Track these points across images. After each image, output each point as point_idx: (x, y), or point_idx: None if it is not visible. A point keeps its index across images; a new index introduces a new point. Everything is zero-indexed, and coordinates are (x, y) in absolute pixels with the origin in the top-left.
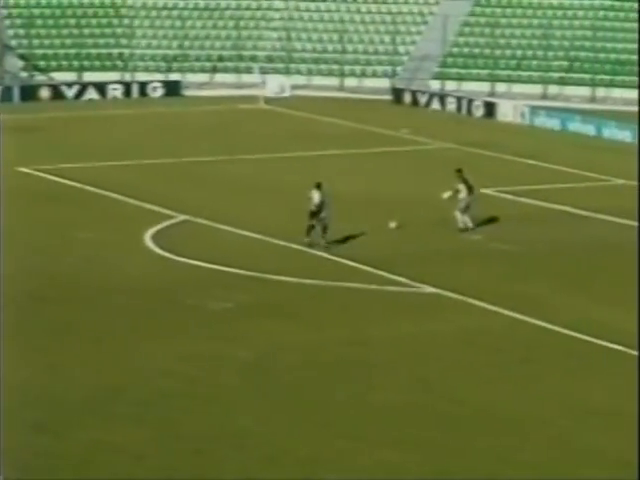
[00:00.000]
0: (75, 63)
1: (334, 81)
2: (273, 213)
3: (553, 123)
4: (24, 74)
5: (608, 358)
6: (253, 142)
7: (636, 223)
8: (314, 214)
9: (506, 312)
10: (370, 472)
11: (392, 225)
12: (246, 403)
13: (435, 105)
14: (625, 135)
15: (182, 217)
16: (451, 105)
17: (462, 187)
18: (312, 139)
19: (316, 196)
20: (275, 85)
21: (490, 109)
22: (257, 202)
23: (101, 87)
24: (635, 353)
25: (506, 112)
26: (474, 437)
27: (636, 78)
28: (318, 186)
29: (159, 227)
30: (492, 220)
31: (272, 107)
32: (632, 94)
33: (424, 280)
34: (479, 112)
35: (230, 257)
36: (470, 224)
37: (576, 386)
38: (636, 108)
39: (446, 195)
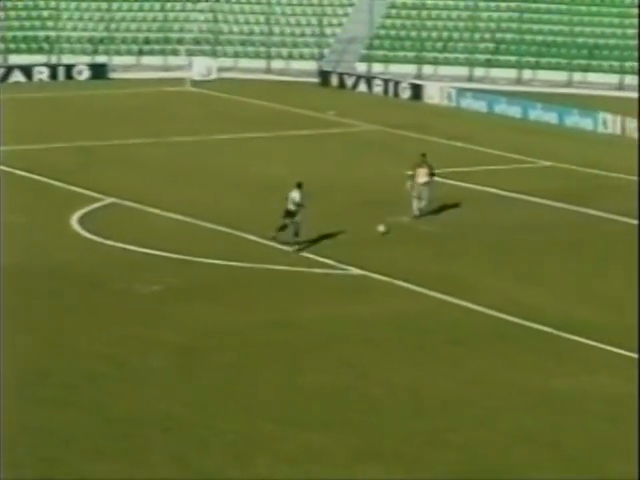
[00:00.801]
0: (1, 46)
1: (261, 63)
2: (200, 196)
3: (479, 105)
4: None
5: (533, 339)
6: (180, 125)
7: (567, 205)
8: (290, 214)
9: (433, 294)
10: (298, 454)
11: (381, 229)
12: (175, 386)
13: (362, 87)
14: (551, 117)
15: (109, 200)
16: (378, 87)
17: (422, 172)
18: (239, 121)
19: (296, 195)
20: (202, 67)
21: (417, 91)
22: (184, 185)
23: (27, 70)
24: (558, 332)
25: (433, 94)
26: (402, 419)
27: (561, 60)
28: (299, 185)
29: (86, 210)
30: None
31: (199, 89)
32: (557, 76)
33: (351, 262)
34: (406, 94)
35: (158, 240)
36: (416, 211)
37: (502, 367)
38: (561, 90)
39: (381, 228)
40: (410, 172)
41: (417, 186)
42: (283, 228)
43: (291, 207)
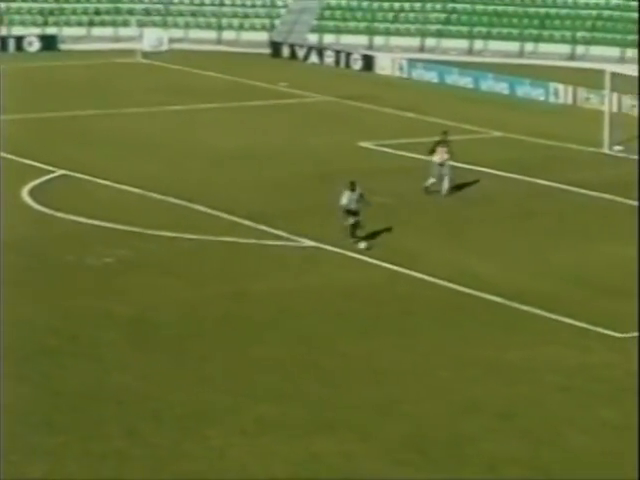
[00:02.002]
0: None
1: (212, 34)
2: (151, 167)
3: (431, 76)
4: None
5: (485, 310)
6: (130, 96)
7: (518, 176)
8: (353, 213)
9: (385, 265)
10: (252, 427)
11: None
12: (127, 359)
13: (313, 58)
14: (502, 87)
15: (60, 172)
16: (329, 58)
17: (441, 150)
18: (190, 93)
19: (352, 196)
20: (152, 39)
21: (368, 62)
22: (135, 157)
23: None
24: (511, 304)
25: (384, 65)
26: (355, 389)
27: (512, 30)
28: (352, 185)
29: (37, 182)
30: (372, 173)
31: (150, 61)
32: (509, 46)
33: (303, 234)
34: (357, 65)
35: (109, 212)
36: (445, 191)
37: (455, 338)
38: (513, 60)
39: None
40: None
41: (435, 165)
42: (353, 229)
43: (352, 207)
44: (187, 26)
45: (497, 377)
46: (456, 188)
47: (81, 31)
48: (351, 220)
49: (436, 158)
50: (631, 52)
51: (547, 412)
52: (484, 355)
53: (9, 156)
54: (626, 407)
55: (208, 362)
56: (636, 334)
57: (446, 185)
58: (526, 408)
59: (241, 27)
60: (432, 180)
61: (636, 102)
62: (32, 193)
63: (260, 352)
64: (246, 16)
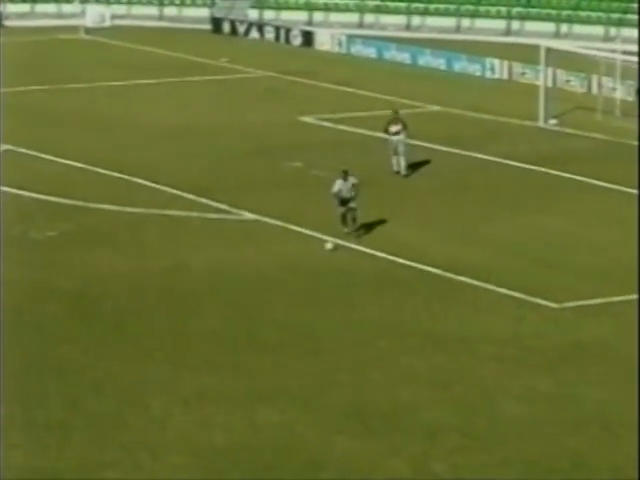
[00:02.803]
0: None
1: (154, 11)
2: (93, 142)
3: (369, 52)
4: None
5: (421, 281)
6: (73, 72)
7: (455, 150)
8: (345, 201)
9: (324, 237)
10: (192, 397)
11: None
12: (69, 332)
13: (254, 34)
14: (439, 63)
15: (4, 147)
16: (269, 34)
17: (394, 127)
18: (131, 68)
19: (344, 183)
20: (95, 15)
21: (308, 38)
22: (78, 132)
23: None
24: (448, 274)
25: (323, 41)
26: (294, 360)
27: (449, 5)
28: (345, 173)
29: None
30: (312, 147)
31: (92, 37)
32: (446, 22)
33: (244, 207)
34: (297, 41)
35: (52, 186)
36: (403, 170)
37: (391, 309)
38: (450, 36)
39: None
40: (387, 129)
41: (391, 142)
42: (344, 218)
43: (345, 195)
44: (129, 2)
45: (434, 347)
46: (391, 162)
47: (25, 7)
48: (342, 209)
49: (393, 136)
50: (566, 27)
51: (482, 381)
52: (421, 326)
53: None
54: (559, 376)
55: (148, 334)
56: (571, 304)
57: (402, 163)
58: (462, 378)
59: (182, 3)
60: (395, 162)
61: (570, 77)
62: None
63: (199, 324)
64: None
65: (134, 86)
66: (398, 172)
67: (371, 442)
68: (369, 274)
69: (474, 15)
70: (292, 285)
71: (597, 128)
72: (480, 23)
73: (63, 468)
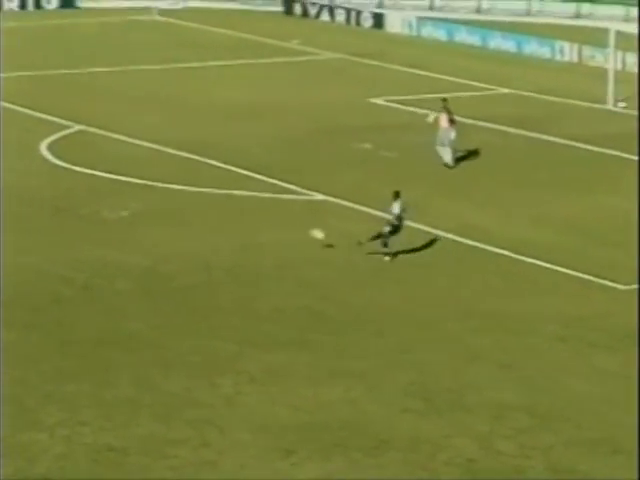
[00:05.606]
0: None
1: None
2: (165, 122)
3: (440, 34)
4: None
5: (487, 261)
6: (146, 53)
7: (524, 131)
8: (395, 228)
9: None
10: (260, 374)
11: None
12: (139, 308)
13: (325, 16)
14: (509, 45)
15: (77, 127)
16: (340, 16)
17: (444, 117)
18: (204, 50)
19: (396, 207)
20: None
21: (378, 20)
22: (150, 112)
23: None
24: (513, 255)
25: (394, 23)
26: (359, 338)
27: None
28: (397, 195)
29: (55, 137)
30: (381, 128)
31: (166, 18)
32: (516, 5)
33: (313, 187)
34: (367, 23)
35: (125, 166)
36: (450, 161)
37: (458, 289)
38: (520, 18)
39: (430, 118)
40: (432, 118)
41: (440, 132)
42: (376, 238)
43: (394, 221)
44: None
45: (499, 327)
46: (462, 143)
47: None
48: (387, 228)
49: (442, 125)
50: (635, 10)
51: (547, 361)
52: (486, 306)
53: (28, 111)
54: (624, 356)
55: (215, 312)
56: (636, 286)
57: (449, 155)
58: (527, 357)
59: None
60: (446, 154)
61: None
62: (50, 147)
63: (266, 302)
64: None
65: (206, 67)
66: (446, 164)
67: (436, 421)
68: (434, 254)
69: None
70: (358, 264)
71: None
72: (550, 6)
73: (131, 445)
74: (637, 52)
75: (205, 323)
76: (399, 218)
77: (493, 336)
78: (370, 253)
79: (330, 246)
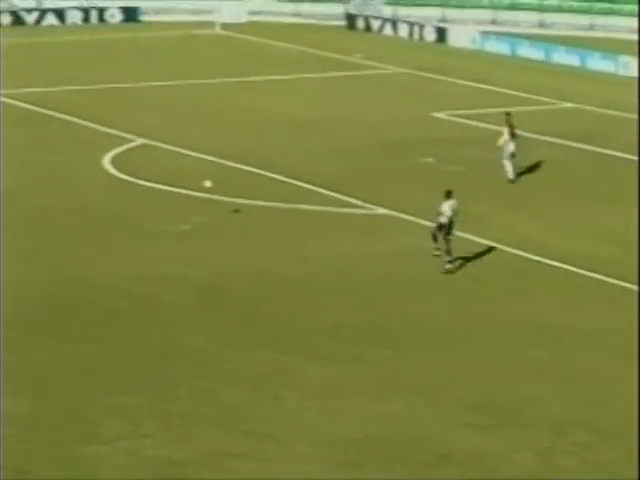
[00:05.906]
0: None
1: (289, 6)
2: (228, 136)
3: (503, 48)
4: None
5: (549, 276)
6: (209, 67)
7: (586, 146)
8: (442, 227)
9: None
10: (320, 387)
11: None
12: (201, 322)
13: (387, 31)
14: (573, 60)
15: (140, 141)
16: (403, 31)
17: (505, 131)
18: (267, 64)
19: (447, 207)
20: (232, 11)
21: (441, 34)
22: (213, 125)
23: (60, 13)
24: (573, 269)
25: (457, 37)
26: (419, 352)
27: (583, 3)
28: (449, 194)
29: (118, 150)
30: (443, 142)
31: (228, 33)
32: (579, 19)
33: (376, 202)
34: (430, 37)
35: (187, 180)
36: (510, 174)
37: (517, 302)
38: (583, 33)
39: (501, 142)
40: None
41: (504, 146)
42: (435, 239)
43: (443, 220)
44: None
45: (559, 341)
46: (524, 157)
47: (162, 3)
48: (437, 229)
49: (501, 141)
50: None
51: (610, 376)
52: (546, 319)
53: (92, 125)
54: None
55: (275, 325)
56: None
57: (510, 168)
58: (587, 372)
59: (317, 0)
60: (508, 167)
61: None
62: (114, 161)
63: (327, 315)
64: None
65: (269, 81)
66: (512, 180)
67: (497, 436)
68: (496, 268)
69: (608, 13)
70: (418, 277)
71: None
72: (614, 21)
73: (192, 458)
74: None
75: (266, 336)
76: (452, 218)
77: (553, 350)
78: (450, 263)
79: (237, 211)
